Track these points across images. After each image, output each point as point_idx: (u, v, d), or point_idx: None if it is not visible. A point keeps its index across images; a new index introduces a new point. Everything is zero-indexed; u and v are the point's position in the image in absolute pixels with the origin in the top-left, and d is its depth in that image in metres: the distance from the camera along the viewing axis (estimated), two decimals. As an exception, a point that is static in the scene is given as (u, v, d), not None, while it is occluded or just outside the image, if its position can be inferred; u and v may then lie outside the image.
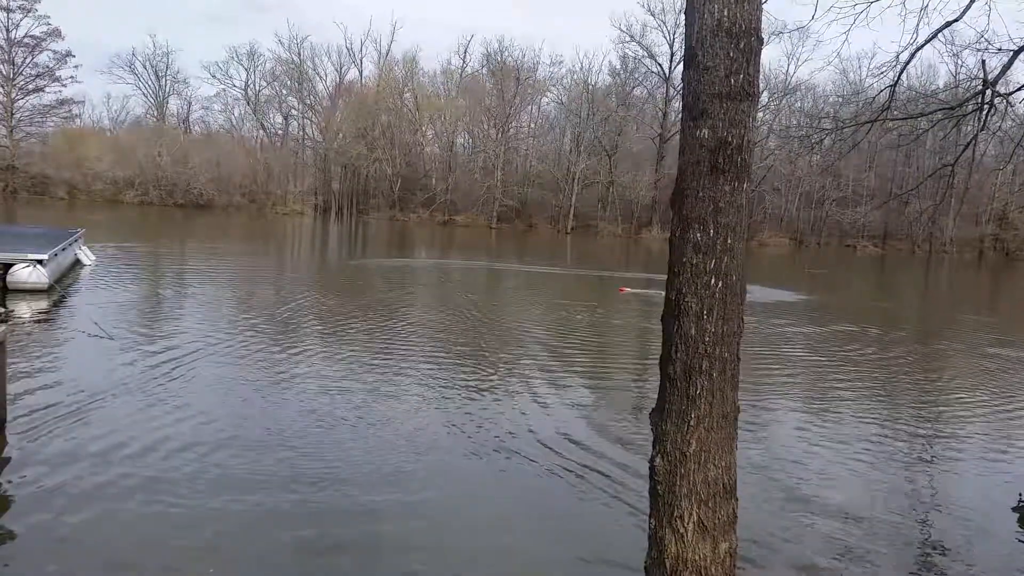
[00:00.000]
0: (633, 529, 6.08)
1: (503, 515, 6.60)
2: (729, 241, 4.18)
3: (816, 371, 14.08)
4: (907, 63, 9.71)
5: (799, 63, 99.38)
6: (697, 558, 4.32)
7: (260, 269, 24.60)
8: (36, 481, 6.49)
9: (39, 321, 13.43)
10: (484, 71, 71.75)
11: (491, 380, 11.37)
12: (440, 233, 52.70)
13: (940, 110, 10.52)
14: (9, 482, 6.48)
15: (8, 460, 6.91)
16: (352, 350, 12.74)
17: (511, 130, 68.07)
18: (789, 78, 65.09)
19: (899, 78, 9.86)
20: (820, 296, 27.85)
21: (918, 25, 9.36)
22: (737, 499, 4.55)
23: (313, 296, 18.81)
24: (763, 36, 4.42)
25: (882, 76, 10.78)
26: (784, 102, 64.79)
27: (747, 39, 4.27)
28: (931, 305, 30.49)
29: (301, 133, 72.18)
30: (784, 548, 6.23)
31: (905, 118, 12.20)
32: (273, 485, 6.72)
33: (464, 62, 74.35)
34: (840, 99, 54.15)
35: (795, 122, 60.32)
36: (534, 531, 6.33)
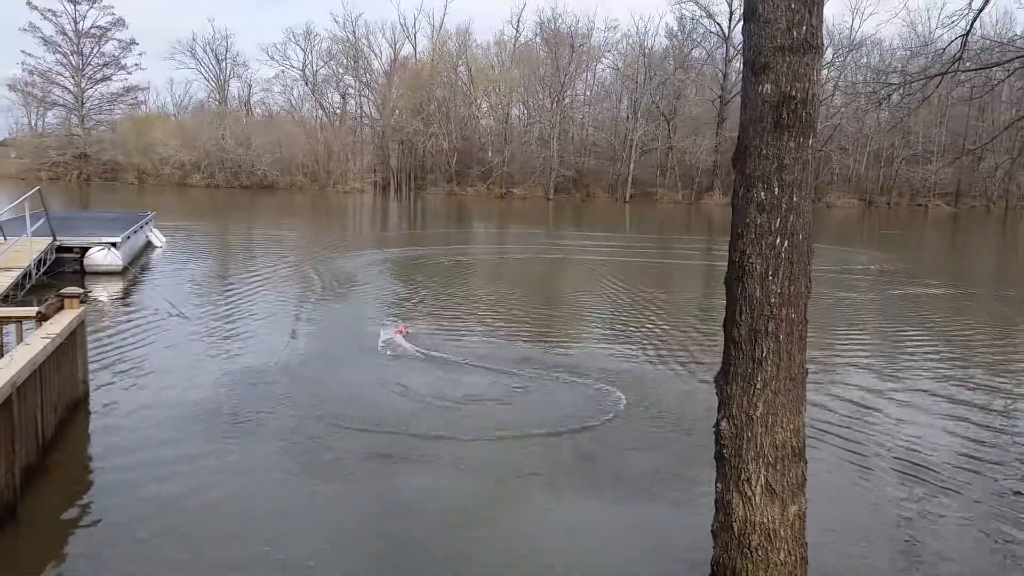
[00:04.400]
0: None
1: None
2: (795, 199, 4.09)
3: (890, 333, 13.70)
4: (980, 10, 9.27)
5: (864, 17, 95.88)
6: (765, 520, 4.30)
7: (320, 246, 25.04)
8: (117, 445, 6.82)
9: (115, 301, 14.02)
10: (538, 40, 70.99)
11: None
12: (497, 206, 52.59)
13: (1017, 58, 10.02)
14: (96, 456, 6.82)
15: (90, 434, 7.27)
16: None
17: (566, 99, 67.22)
18: (854, 33, 62.74)
19: (972, 27, 9.42)
20: (895, 256, 27.00)
21: (994, -32, 8.92)
22: (806, 461, 4.50)
23: (378, 273, 19.09)
24: (827, -14, 4.28)
25: (953, 26, 10.31)
26: (849, 58, 62.46)
27: (809, -11, 4.13)
28: (1010, 263, 29.28)
29: (359, 111, 72.72)
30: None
31: (979, 68, 11.67)
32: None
33: (517, 32, 73.59)
34: (908, 52, 51.97)
35: (861, 78, 58.10)
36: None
